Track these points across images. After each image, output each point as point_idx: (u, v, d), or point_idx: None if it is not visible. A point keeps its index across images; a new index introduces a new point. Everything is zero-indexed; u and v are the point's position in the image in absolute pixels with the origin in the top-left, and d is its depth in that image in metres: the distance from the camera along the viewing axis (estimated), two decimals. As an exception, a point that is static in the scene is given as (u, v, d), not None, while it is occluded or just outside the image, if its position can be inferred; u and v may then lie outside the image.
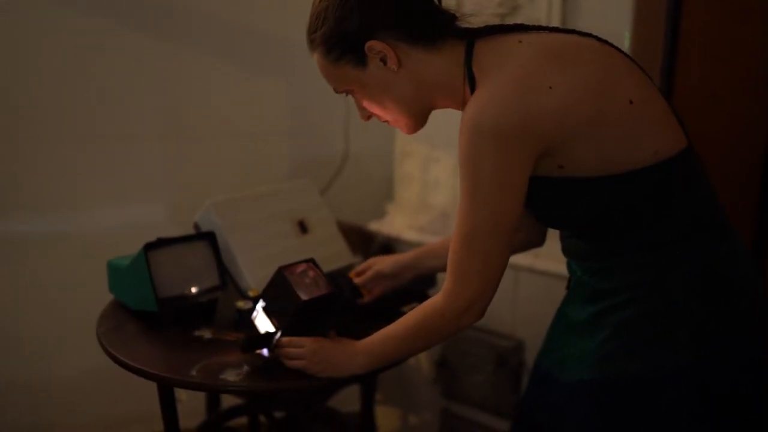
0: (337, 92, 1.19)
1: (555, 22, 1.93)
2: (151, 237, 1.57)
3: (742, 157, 1.68)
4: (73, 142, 2.15)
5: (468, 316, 1.09)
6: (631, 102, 1.04)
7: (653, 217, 1.06)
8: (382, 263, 1.48)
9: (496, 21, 2.02)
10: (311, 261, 1.28)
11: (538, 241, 1.38)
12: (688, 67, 1.70)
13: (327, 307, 1.26)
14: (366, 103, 1.18)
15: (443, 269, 1.42)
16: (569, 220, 1.13)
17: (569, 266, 1.23)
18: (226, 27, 2.30)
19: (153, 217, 2.33)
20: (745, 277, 1.11)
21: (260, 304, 1.25)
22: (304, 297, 1.20)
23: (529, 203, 1.10)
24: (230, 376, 1.24)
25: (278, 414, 2.01)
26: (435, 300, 1.13)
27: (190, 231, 1.62)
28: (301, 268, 1.26)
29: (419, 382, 2.29)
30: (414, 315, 1.15)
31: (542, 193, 1.08)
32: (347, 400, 2.10)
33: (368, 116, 1.22)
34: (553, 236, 1.33)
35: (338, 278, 1.40)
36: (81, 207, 2.22)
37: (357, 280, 1.49)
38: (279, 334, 1.22)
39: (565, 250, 1.20)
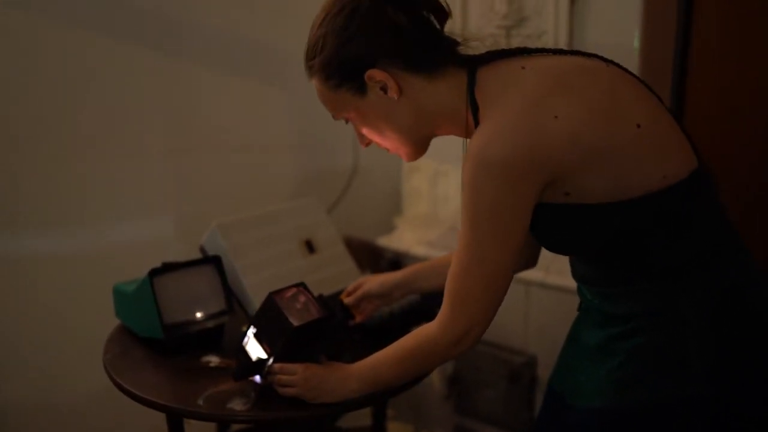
0: (335, 118, 1.18)
1: (562, 34, 1.91)
2: (158, 253, 1.55)
3: (756, 167, 1.65)
4: (77, 157, 2.13)
5: (462, 344, 1.08)
6: (638, 126, 1.01)
7: (664, 242, 1.03)
8: (370, 283, 1.46)
9: (502, 33, 2.02)
10: (302, 285, 1.27)
11: (532, 264, 1.36)
12: (699, 77, 1.68)
13: (319, 331, 1.25)
14: (365, 131, 1.17)
15: (431, 290, 1.42)
16: (576, 247, 1.11)
17: (579, 290, 1.20)
18: (232, 41, 2.29)
19: (160, 232, 2.31)
20: (760, 297, 1.08)
21: (251, 331, 1.24)
22: (295, 323, 1.19)
23: (533, 229, 1.08)
24: (237, 405, 1.22)
25: (289, 434, 1.99)
26: (430, 326, 1.11)
27: (197, 247, 1.61)
28: (291, 292, 1.24)
29: (431, 397, 2.27)
30: (408, 340, 1.14)
31: (547, 220, 1.06)
32: (358, 416, 2.07)
33: (367, 143, 1.20)
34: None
35: (329, 301, 1.39)
36: (86, 223, 2.20)
37: (346, 301, 1.47)
38: (271, 360, 1.21)
39: (575, 274, 1.18)
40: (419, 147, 1.17)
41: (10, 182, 2.07)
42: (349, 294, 1.48)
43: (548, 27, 1.93)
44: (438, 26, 1.10)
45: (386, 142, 1.16)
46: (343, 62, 1.08)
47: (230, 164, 2.34)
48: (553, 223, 1.06)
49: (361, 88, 1.10)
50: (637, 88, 1.07)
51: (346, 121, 1.17)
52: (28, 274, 2.13)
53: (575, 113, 0.98)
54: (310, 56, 1.12)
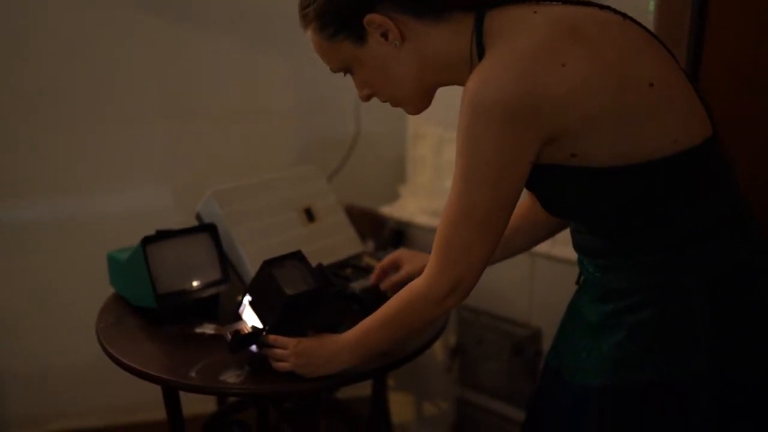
0: (333, 71, 1.11)
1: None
2: (156, 221, 1.52)
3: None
4: (74, 124, 2.11)
5: (451, 298, 1.03)
6: (651, 85, 0.95)
7: (672, 213, 0.98)
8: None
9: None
10: (298, 254, 1.24)
11: (559, 229, 1.33)
12: (717, 44, 1.60)
13: (314, 301, 1.22)
14: (366, 83, 1.10)
15: None
16: (580, 212, 1.05)
17: (580, 262, 1.15)
18: (231, 3, 2.23)
19: (157, 200, 2.29)
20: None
21: (247, 299, 1.22)
22: (289, 292, 1.17)
23: (537, 192, 1.03)
24: (231, 377, 1.20)
25: (287, 405, 1.97)
26: (416, 284, 1.07)
27: (195, 215, 1.56)
28: (288, 262, 1.22)
29: (433, 368, 2.24)
30: (395, 301, 1.10)
31: (552, 182, 1.01)
32: (359, 386, 2.05)
33: (368, 96, 1.13)
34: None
35: (327, 271, 1.35)
36: (83, 191, 2.18)
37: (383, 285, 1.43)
38: (267, 329, 1.19)
39: (576, 246, 1.13)
40: (424, 98, 1.10)
41: (5, 149, 2.04)
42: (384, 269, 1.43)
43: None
44: None
45: (388, 93, 1.10)
46: (340, 8, 1.02)
47: (229, 131, 2.30)
48: (557, 185, 1.01)
49: (360, 36, 1.03)
50: (653, 46, 1.01)
51: (344, 74, 1.11)
52: (24, 241, 2.11)
53: (584, 65, 0.92)
54: (304, 5, 1.06)
